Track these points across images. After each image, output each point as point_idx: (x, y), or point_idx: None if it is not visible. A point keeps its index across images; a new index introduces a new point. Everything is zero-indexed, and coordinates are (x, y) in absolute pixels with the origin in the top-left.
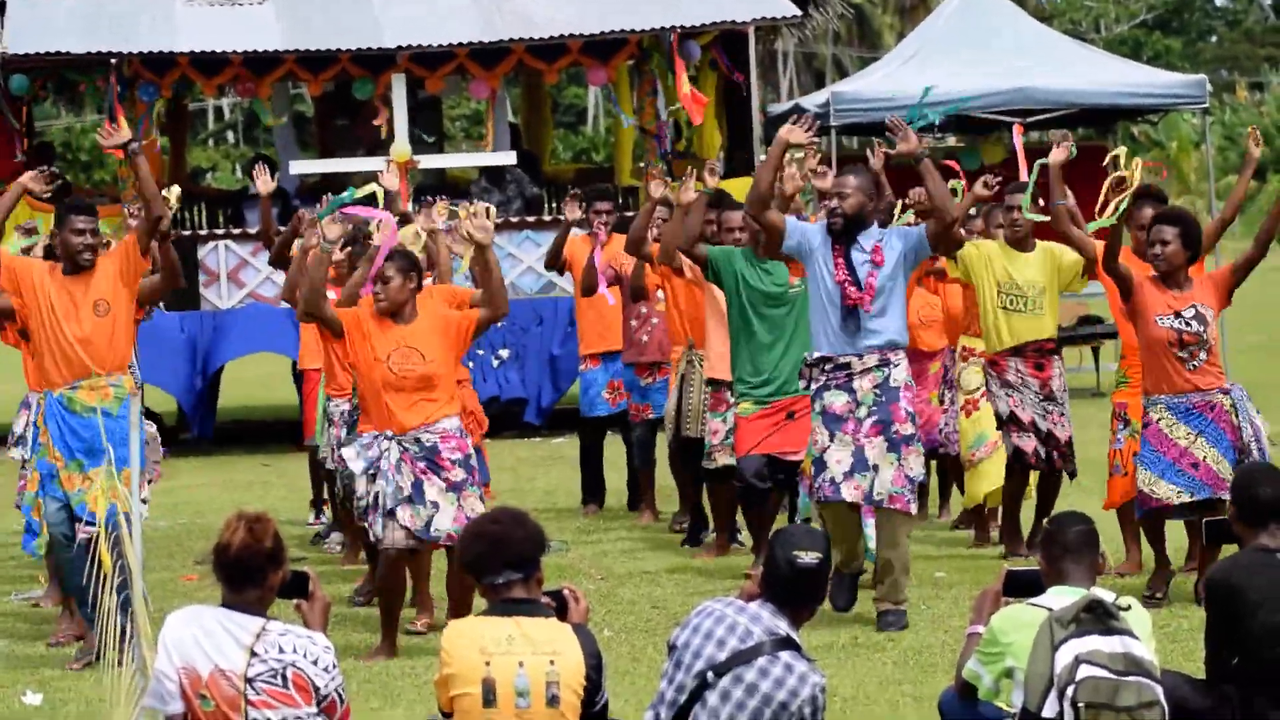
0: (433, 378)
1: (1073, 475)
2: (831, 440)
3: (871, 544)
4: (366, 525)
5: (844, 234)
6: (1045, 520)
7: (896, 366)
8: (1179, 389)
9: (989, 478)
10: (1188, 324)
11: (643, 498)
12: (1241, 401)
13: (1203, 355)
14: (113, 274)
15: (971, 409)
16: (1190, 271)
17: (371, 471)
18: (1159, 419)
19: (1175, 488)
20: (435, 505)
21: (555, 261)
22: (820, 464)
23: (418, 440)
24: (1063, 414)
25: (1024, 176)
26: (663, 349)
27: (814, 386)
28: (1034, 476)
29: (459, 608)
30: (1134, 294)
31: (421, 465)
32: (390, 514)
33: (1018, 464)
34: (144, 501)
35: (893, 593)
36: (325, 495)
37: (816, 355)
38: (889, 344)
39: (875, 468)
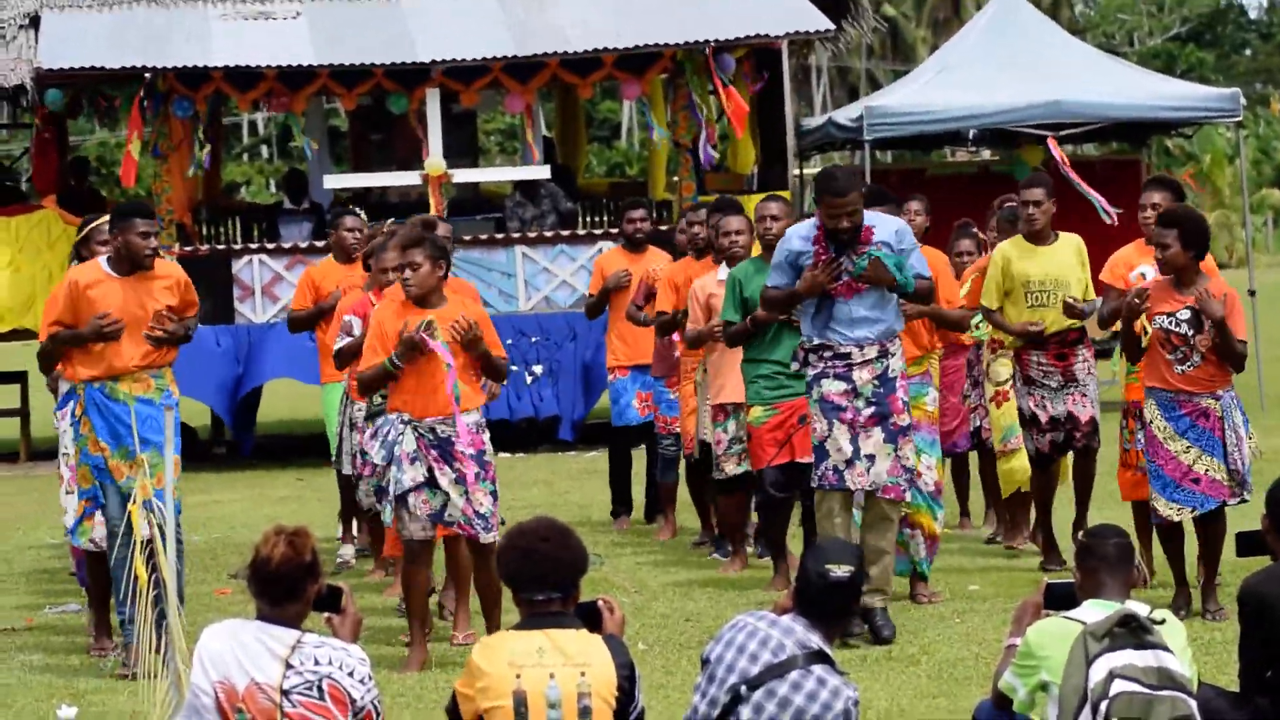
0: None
1: (1095, 449)
2: (830, 430)
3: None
4: (380, 508)
5: (847, 243)
6: (1080, 532)
7: (894, 356)
8: (1169, 386)
9: (1023, 466)
10: (1177, 325)
11: (662, 511)
12: (1229, 409)
13: (1195, 359)
14: (172, 299)
15: (1002, 400)
16: (1204, 268)
17: (387, 459)
18: (1152, 420)
19: (1175, 505)
20: (446, 495)
21: (598, 311)
22: (821, 451)
23: (433, 430)
24: (1084, 394)
25: (1079, 181)
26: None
27: (810, 372)
28: (1066, 465)
29: (491, 606)
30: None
31: (435, 454)
32: (402, 500)
33: (1038, 466)
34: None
35: (882, 579)
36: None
37: (815, 341)
38: (886, 333)
39: (871, 458)
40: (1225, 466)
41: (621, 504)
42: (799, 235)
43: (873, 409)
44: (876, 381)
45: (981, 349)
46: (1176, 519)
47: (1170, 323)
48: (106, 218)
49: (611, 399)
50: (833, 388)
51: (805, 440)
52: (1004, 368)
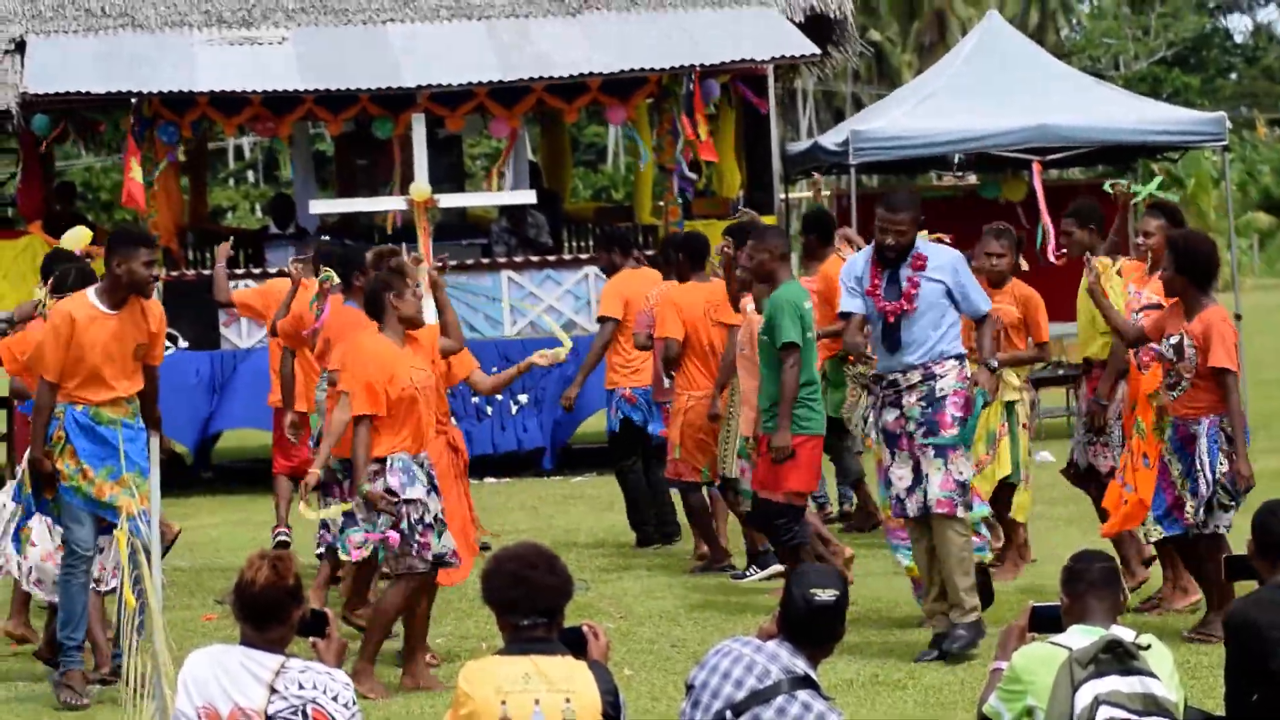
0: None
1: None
2: (893, 459)
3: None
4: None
5: (895, 261)
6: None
7: (944, 377)
8: (1168, 409)
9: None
10: (1166, 350)
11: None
12: (1209, 436)
13: (1183, 384)
14: (154, 338)
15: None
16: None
17: (396, 499)
18: (1143, 434)
19: (1160, 529)
20: (444, 526)
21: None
22: (887, 481)
23: (422, 464)
24: (1107, 444)
25: (1044, 213)
26: None
27: (873, 401)
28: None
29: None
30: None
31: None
32: (418, 529)
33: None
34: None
35: (957, 598)
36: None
37: (872, 373)
38: (937, 355)
39: (926, 476)
40: (1190, 491)
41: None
42: (862, 257)
43: (923, 429)
44: (923, 403)
45: None
46: (1155, 538)
47: (1164, 347)
48: (78, 229)
49: (607, 407)
50: (888, 415)
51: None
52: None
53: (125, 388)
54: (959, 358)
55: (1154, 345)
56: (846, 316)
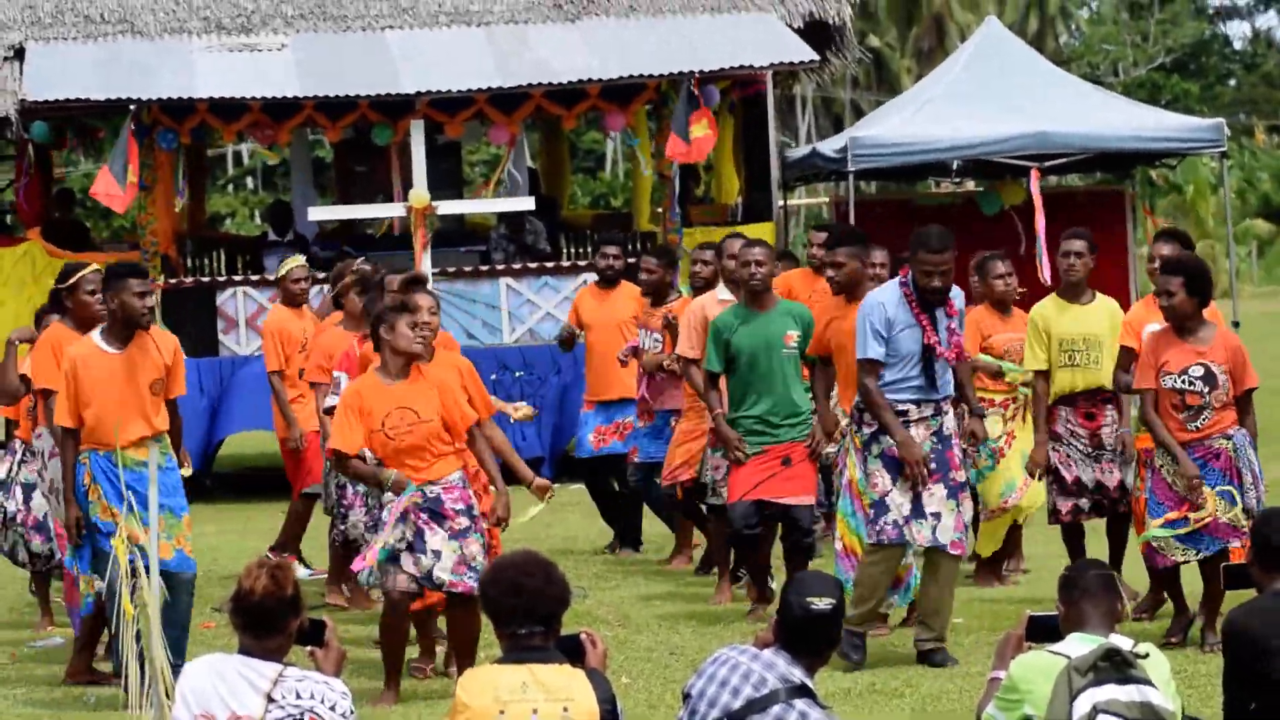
0: (430, 435)
1: (1127, 516)
2: (894, 484)
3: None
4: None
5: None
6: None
7: (947, 415)
8: (1181, 438)
9: (985, 536)
10: (1191, 384)
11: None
12: (1243, 447)
13: (1206, 415)
14: (171, 370)
15: (999, 457)
16: (1208, 314)
17: (373, 522)
18: (1163, 466)
19: (1182, 547)
20: (436, 554)
21: (570, 344)
22: (881, 506)
23: (422, 491)
24: (1112, 460)
25: (1039, 221)
26: (675, 399)
27: (867, 430)
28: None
29: (465, 657)
30: (1152, 362)
31: (425, 516)
32: (393, 559)
33: (1053, 522)
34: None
35: (942, 630)
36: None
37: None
38: (948, 395)
39: (937, 515)
40: (1241, 504)
41: (616, 536)
42: (890, 302)
43: (932, 464)
44: (934, 438)
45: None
46: (1182, 560)
47: (1183, 382)
48: (95, 267)
49: (579, 429)
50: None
51: (783, 484)
52: (994, 425)
53: (146, 427)
54: (955, 399)
55: (1172, 384)
56: (873, 364)
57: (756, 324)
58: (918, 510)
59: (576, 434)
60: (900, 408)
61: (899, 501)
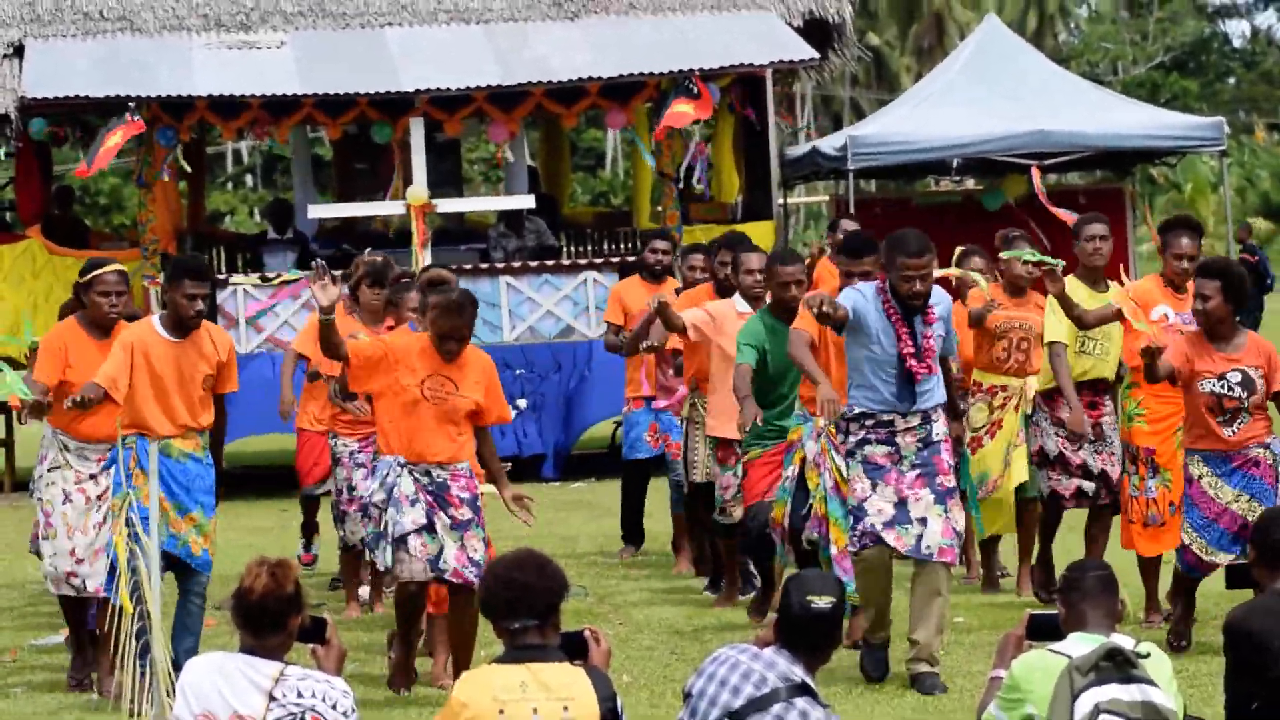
0: (458, 411)
1: (1116, 511)
2: (873, 490)
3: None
4: (374, 554)
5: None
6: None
7: (936, 421)
8: (1218, 447)
9: (987, 517)
10: (1230, 389)
11: (677, 542)
12: None
13: (1244, 418)
14: (224, 367)
15: (975, 446)
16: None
17: (384, 501)
18: (1200, 476)
19: (1230, 555)
20: (442, 541)
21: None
22: (859, 512)
23: (429, 473)
24: (1113, 453)
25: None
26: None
27: (851, 439)
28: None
29: (463, 655)
30: (1182, 372)
31: (430, 498)
32: (402, 543)
33: (1051, 508)
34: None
35: (930, 647)
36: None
37: (857, 410)
38: (937, 404)
39: (924, 521)
40: None
41: (630, 538)
42: (874, 307)
43: (917, 470)
44: (920, 444)
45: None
46: (1220, 564)
47: (1221, 387)
48: (116, 267)
49: (624, 430)
50: (876, 451)
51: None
52: (979, 414)
53: (191, 419)
54: (945, 405)
55: (1210, 388)
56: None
57: (785, 338)
58: (902, 515)
59: (627, 434)
60: (885, 417)
61: (879, 506)
